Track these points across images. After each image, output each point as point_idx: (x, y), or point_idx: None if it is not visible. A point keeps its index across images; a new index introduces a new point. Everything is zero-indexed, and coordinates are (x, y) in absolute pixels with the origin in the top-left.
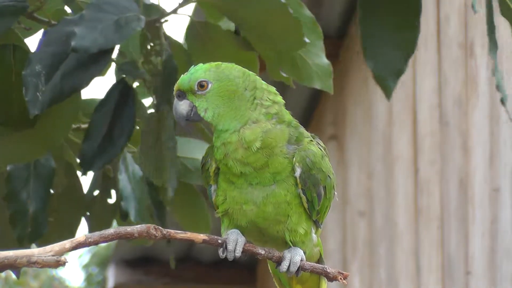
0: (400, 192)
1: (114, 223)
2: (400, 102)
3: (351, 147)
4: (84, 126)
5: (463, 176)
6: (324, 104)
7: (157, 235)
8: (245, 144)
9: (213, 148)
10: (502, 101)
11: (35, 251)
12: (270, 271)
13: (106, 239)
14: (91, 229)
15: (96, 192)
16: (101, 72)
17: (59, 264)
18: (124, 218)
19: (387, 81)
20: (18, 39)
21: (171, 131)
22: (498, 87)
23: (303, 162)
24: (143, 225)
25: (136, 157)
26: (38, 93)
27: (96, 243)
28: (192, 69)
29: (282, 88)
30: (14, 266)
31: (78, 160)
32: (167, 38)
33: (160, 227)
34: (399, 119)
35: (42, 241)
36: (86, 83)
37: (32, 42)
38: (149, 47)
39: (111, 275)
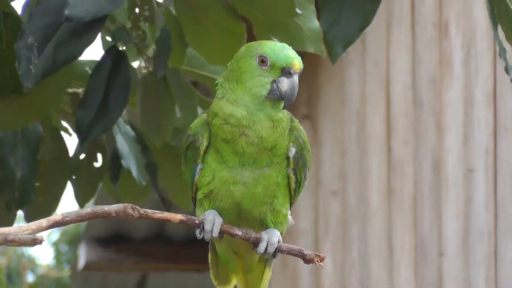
0: (373, 172)
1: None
2: (374, 82)
3: (324, 127)
4: (72, 90)
5: (436, 157)
6: None
7: (134, 214)
8: (276, 122)
9: (205, 126)
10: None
11: (11, 229)
12: (210, 260)
13: (83, 218)
14: (77, 193)
15: (82, 156)
16: (94, 40)
17: (35, 242)
18: (115, 179)
19: (335, 48)
20: (5, 4)
21: (172, 94)
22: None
23: (297, 142)
24: (120, 204)
25: (128, 117)
26: (31, 66)
27: (73, 221)
28: (287, 47)
29: None
30: None
31: (65, 125)
32: (160, 4)
33: (137, 207)
34: (372, 99)
35: (30, 207)
36: (79, 53)
37: (18, 6)
38: (137, 12)
39: (82, 253)
